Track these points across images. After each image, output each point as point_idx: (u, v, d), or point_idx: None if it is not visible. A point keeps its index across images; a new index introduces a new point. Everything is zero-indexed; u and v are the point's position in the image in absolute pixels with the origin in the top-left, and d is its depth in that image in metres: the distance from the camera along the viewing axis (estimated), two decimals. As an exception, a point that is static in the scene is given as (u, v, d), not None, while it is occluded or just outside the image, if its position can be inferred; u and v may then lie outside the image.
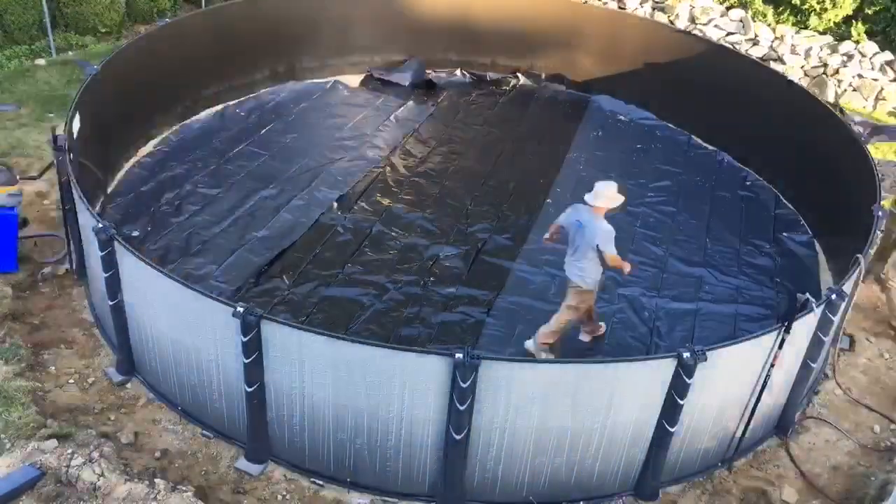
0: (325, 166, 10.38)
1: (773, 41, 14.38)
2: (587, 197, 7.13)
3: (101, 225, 6.57)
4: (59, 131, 7.82)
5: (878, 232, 7.70)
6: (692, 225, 10.00)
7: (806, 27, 14.55)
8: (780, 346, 6.44)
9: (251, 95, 11.78)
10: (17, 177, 8.21)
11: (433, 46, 12.90)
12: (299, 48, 12.11)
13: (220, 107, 11.42)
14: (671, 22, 14.75)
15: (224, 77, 11.37)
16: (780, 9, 14.67)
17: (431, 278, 8.58)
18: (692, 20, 14.83)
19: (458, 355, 5.63)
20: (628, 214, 9.73)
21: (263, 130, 11.09)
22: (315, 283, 8.39)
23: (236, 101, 11.60)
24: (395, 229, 9.31)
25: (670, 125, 12.02)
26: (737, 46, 14.22)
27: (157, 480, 6.06)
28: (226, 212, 9.36)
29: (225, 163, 10.29)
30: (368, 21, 12.48)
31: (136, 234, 8.60)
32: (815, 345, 6.94)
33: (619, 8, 14.80)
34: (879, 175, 8.39)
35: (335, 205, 9.64)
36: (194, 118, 11.07)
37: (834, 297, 6.68)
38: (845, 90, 13.76)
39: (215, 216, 9.27)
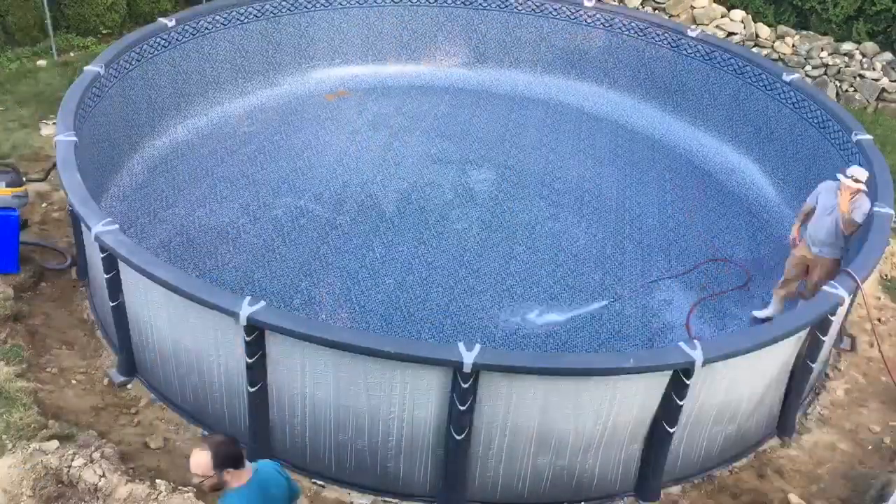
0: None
1: (774, 41, 14.37)
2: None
3: (101, 226, 6.59)
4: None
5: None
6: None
7: (807, 27, 14.54)
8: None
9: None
10: (24, 178, 8.25)
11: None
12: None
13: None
14: (672, 22, 14.76)
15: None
16: (782, 9, 14.66)
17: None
18: (693, 20, 14.82)
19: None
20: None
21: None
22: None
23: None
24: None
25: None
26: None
27: (158, 481, 6.07)
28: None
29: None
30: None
31: None
32: (815, 345, 6.95)
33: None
34: None
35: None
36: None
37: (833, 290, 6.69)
38: (846, 90, 13.75)
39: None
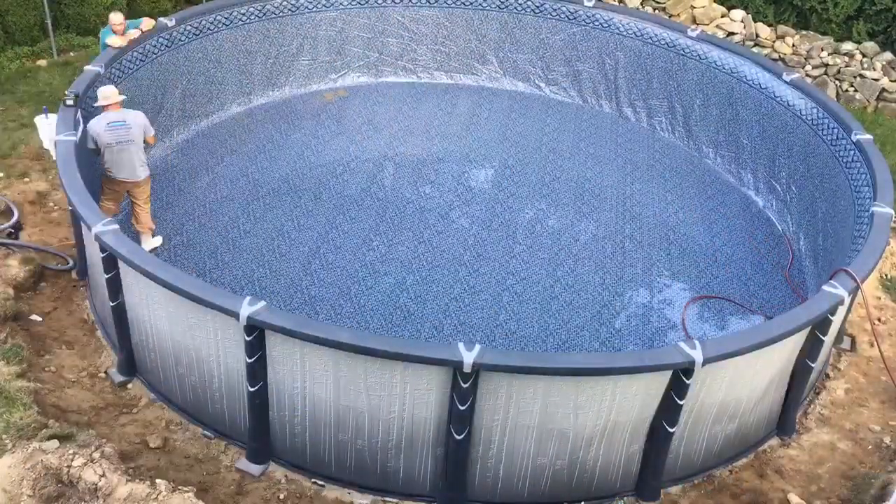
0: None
1: (774, 41, 14.38)
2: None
3: (101, 226, 6.59)
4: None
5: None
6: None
7: (807, 27, 14.54)
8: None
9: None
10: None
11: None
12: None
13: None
14: (672, 22, 14.75)
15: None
16: (782, 9, 14.66)
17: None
18: (693, 20, 14.82)
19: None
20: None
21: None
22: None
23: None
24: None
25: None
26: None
27: (158, 481, 6.06)
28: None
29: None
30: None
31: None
32: (815, 345, 6.95)
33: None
34: None
35: None
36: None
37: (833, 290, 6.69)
38: (846, 90, 13.75)
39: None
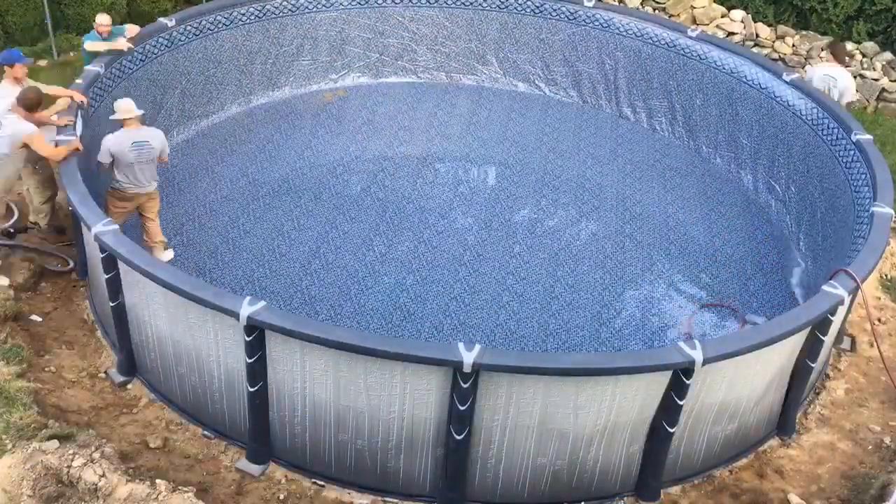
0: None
1: (774, 41, 14.39)
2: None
3: (101, 226, 6.59)
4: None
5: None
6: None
7: (807, 27, 14.54)
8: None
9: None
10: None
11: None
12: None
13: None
14: (672, 22, 14.74)
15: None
16: (782, 9, 14.66)
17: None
18: (693, 20, 14.82)
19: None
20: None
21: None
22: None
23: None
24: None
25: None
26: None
27: (158, 481, 6.07)
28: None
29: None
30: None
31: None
32: (815, 345, 6.95)
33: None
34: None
35: None
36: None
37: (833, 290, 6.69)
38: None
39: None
